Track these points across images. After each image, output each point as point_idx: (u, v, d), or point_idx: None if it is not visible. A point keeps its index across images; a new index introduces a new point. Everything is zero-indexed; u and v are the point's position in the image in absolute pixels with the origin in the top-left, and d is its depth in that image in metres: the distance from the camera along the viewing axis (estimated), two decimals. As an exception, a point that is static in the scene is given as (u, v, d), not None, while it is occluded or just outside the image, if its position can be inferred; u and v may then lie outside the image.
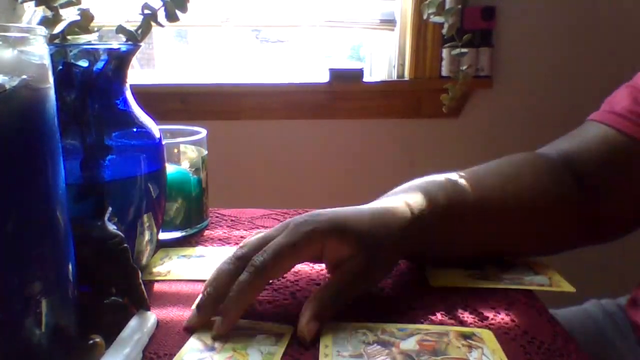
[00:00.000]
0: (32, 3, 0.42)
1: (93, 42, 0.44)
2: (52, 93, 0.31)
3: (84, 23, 0.43)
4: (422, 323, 0.39)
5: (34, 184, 0.30)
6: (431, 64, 1.26)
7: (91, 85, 0.42)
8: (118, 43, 0.43)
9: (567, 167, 0.53)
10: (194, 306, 0.40)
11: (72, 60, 0.41)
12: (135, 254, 0.44)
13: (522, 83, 1.31)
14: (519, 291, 0.44)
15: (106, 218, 0.38)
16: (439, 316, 0.40)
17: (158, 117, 0.48)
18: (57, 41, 0.42)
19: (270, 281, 0.45)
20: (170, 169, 0.53)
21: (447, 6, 1.15)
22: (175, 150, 0.57)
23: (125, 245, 0.38)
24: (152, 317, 0.38)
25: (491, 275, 0.46)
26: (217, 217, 0.62)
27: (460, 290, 0.44)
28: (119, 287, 0.38)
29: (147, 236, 0.45)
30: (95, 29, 0.44)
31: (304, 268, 0.48)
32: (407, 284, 0.45)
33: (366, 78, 1.28)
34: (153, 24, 0.44)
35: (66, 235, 0.32)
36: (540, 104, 1.31)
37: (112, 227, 0.38)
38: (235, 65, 1.44)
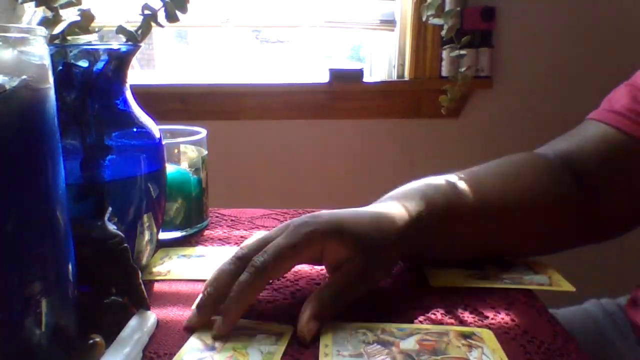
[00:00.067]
0: (32, 3, 0.42)
1: (93, 43, 0.44)
2: (52, 93, 0.31)
3: (84, 23, 0.43)
4: (422, 323, 0.39)
5: (34, 184, 0.30)
6: (431, 64, 1.26)
7: (91, 86, 0.42)
8: (118, 43, 0.43)
9: (566, 166, 0.53)
10: (194, 306, 0.40)
11: (72, 61, 0.41)
12: (135, 254, 0.44)
13: (522, 83, 1.31)
14: (519, 291, 0.44)
15: (106, 218, 0.38)
16: (439, 316, 0.40)
17: (158, 117, 0.48)
18: (57, 41, 0.42)
19: (270, 281, 0.45)
20: (170, 169, 0.53)
21: (447, 8, 1.15)
22: (175, 150, 0.57)
23: (125, 245, 0.38)
24: (152, 316, 0.38)
25: (491, 275, 0.46)
26: (217, 217, 0.62)
27: (460, 290, 0.44)
28: (119, 287, 0.38)
29: (147, 236, 0.45)
30: (96, 29, 0.44)
31: (304, 268, 0.48)
32: (407, 284, 0.45)
33: (366, 78, 1.28)
34: (153, 24, 0.44)
35: (66, 235, 0.32)
36: (540, 104, 1.31)
37: (112, 227, 0.38)
38: (235, 65, 1.45)
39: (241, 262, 0.39)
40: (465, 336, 0.37)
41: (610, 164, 0.52)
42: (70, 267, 0.33)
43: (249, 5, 1.25)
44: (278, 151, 1.33)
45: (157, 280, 0.46)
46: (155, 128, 0.46)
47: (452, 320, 0.39)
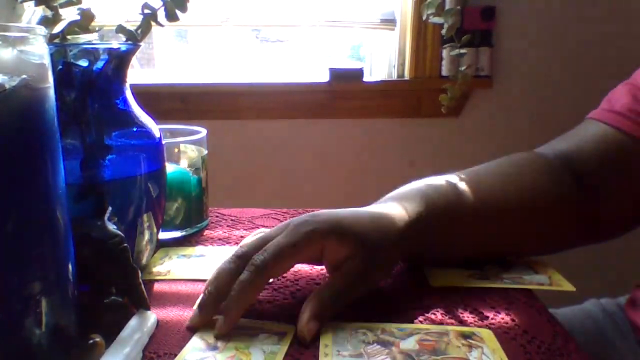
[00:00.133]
0: (32, 2, 0.42)
1: (93, 42, 0.44)
2: (52, 93, 0.31)
3: (84, 23, 0.43)
4: (422, 323, 0.39)
5: (34, 184, 0.30)
6: (431, 63, 1.26)
7: (91, 85, 0.42)
8: (118, 43, 0.43)
9: (566, 166, 0.52)
10: (195, 306, 0.40)
11: (72, 60, 0.41)
12: (135, 254, 0.44)
13: (522, 83, 1.31)
14: (519, 291, 0.44)
15: (106, 218, 0.38)
16: (439, 316, 0.40)
17: (158, 117, 0.48)
18: (57, 41, 0.42)
19: (270, 281, 0.45)
20: (170, 168, 0.53)
21: (447, 7, 1.15)
22: (175, 150, 0.57)
23: (125, 245, 0.38)
24: (152, 316, 0.38)
25: (491, 275, 0.46)
26: (217, 217, 0.62)
27: (460, 290, 0.44)
28: (119, 287, 0.38)
29: (147, 236, 0.45)
30: (96, 28, 0.44)
31: (304, 268, 0.48)
32: (407, 284, 0.45)
33: (366, 78, 1.28)
34: (153, 23, 0.44)
35: (66, 235, 0.32)
36: (540, 104, 1.31)
37: (112, 227, 0.38)
38: (235, 65, 1.44)
39: (241, 260, 0.39)
40: (465, 336, 0.37)
41: (610, 164, 0.52)
42: (70, 267, 0.33)
43: (248, 5, 1.25)
44: (278, 151, 1.33)
45: (157, 280, 0.46)
46: (155, 128, 0.46)
47: (452, 320, 0.39)
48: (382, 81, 1.30)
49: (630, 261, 1.11)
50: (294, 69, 1.45)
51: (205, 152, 0.58)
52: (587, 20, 1.28)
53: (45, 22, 0.42)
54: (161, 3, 0.44)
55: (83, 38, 0.44)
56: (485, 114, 1.32)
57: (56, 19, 0.42)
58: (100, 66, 0.41)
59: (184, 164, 0.57)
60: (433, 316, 0.40)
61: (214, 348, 0.36)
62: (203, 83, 1.30)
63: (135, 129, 0.44)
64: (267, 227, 0.59)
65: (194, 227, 0.57)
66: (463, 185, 0.48)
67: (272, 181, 1.34)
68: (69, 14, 0.43)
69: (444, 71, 1.26)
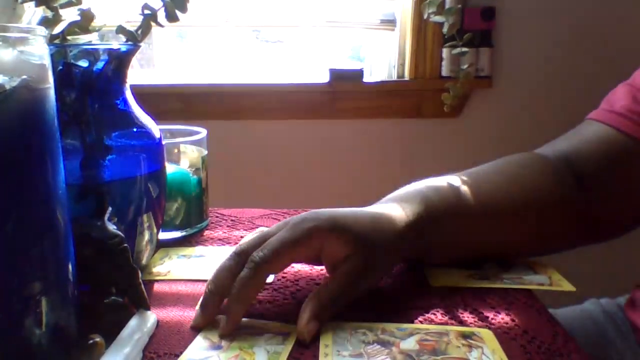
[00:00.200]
0: (32, 3, 0.42)
1: (93, 43, 0.44)
2: (52, 93, 0.31)
3: (84, 23, 0.43)
4: (422, 323, 0.39)
5: (34, 184, 0.30)
6: (431, 64, 1.26)
7: (91, 85, 0.42)
8: (118, 43, 0.43)
9: (566, 166, 0.53)
10: (197, 306, 0.40)
11: (72, 61, 0.41)
12: (135, 254, 0.44)
13: (522, 83, 1.31)
14: (519, 291, 0.44)
15: (106, 218, 0.38)
16: (439, 316, 0.40)
17: (158, 117, 0.48)
18: (57, 41, 0.42)
19: (270, 281, 0.45)
20: (170, 169, 0.53)
21: (447, 6, 1.15)
22: (175, 150, 0.57)
23: (125, 245, 0.38)
24: (152, 316, 0.38)
25: (491, 275, 0.46)
26: (217, 217, 0.62)
27: (460, 290, 0.44)
28: (119, 287, 0.38)
29: (146, 236, 0.45)
30: (96, 29, 0.44)
31: (304, 268, 0.48)
32: (407, 284, 0.45)
33: (366, 78, 1.28)
34: (153, 24, 0.44)
35: (66, 235, 0.32)
36: (540, 104, 1.31)
37: (112, 227, 0.38)
38: (235, 65, 1.44)
39: (240, 257, 0.39)
40: (465, 336, 0.37)
41: (611, 165, 0.52)
42: (70, 266, 0.33)
43: (248, 5, 1.25)
44: (278, 151, 1.33)
45: (157, 280, 0.46)
46: (155, 128, 0.46)
47: (452, 320, 0.39)
48: (382, 81, 1.30)
49: (630, 261, 1.11)
50: (294, 70, 1.45)
51: (205, 152, 0.58)
52: (587, 20, 1.28)
53: (46, 22, 0.42)
54: (161, 3, 0.44)
55: (83, 38, 0.44)
56: (485, 114, 1.32)
57: (56, 19, 0.42)
58: (100, 67, 0.42)
59: (184, 164, 0.57)
60: (433, 316, 0.40)
61: (218, 347, 0.36)
62: (203, 83, 1.30)
63: (135, 130, 0.44)
64: (266, 227, 0.59)
65: (194, 228, 0.57)
66: (463, 186, 0.48)
67: (272, 181, 1.34)
68: (69, 15, 0.43)
69: (444, 71, 1.26)
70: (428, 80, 1.27)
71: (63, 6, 0.42)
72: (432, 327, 0.38)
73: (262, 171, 1.33)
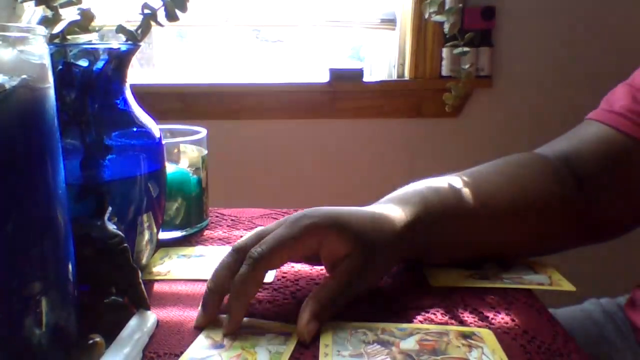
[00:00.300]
0: (32, 2, 0.42)
1: (93, 42, 0.44)
2: (52, 93, 0.31)
3: (84, 23, 0.43)
4: (422, 323, 0.39)
5: (34, 184, 0.30)
6: (431, 63, 1.26)
7: (91, 85, 0.42)
8: (118, 43, 0.43)
9: (566, 166, 0.52)
10: (200, 306, 0.40)
11: (72, 60, 0.41)
12: (135, 254, 0.44)
13: (522, 83, 1.31)
14: (519, 291, 0.44)
15: (106, 218, 0.38)
16: (439, 316, 0.40)
17: (158, 117, 0.48)
18: (57, 41, 0.42)
19: (271, 280, 0.45)
20: (170, 168, 0.53)
21: (447, 6, 1.15)
22: (175, 150, 0.57)
23: (125, 245, 0.38)
24: (152, 316, 0.38)
25: (491, 275, 0.46)
26: (217, 217, 0.62)
27: (460, 290, 0.44)
28: (119, 286, 0.38)
29: (146, 236, 0.45)
30: (96, 28, 0.44)
31: (304, 268, 0.48)
32: (407, 284, 0.45)
33: (366, 78, 1.28)
34: (153, 23, 0.44)
35: (66, 235, 0.32)
36: (540, 104, 1.31)
37: (112, 227, 0.38)
38: (235, 65, 1.44)
39: (238, 254, 0.39)
40: (465, 336, 0.37)
41: (610, 165, 0.52)
42: (70, 266, 0.33)
43: (248, 5, 1.25)
44: (278, 151, 1.33)
45: (157, 280, 0.46)
46: (155, 128, 0.46)
47: (452, 320, 0.39)
48: (382, 81, 1.30)
49: (630, 261, 1.11)
50: (294, 69, 1.45)
51: (205, 152, 0.58)
52: (587, 20, 1.28)
53: (46, 22, 0.42)
54: (161, 3, 0.44)
55: (83, 38, 0.44)
56: (485, 114, 1.32)
57: (56, 19, 0.42)
58: (100, 66, 0.41)
59: (184, 164, 0.57)
60: (433, 316, 0.40)
61: (220, 346, 0.36)
62: (203, 83, 1.30)
63: (135, 129, 0.44)
64: (267, 227, 0.59)
65: (194, 227, 0.57)
66: (463, 187, 0.48)
67: (272, 181, 1.34)
68: (69, 14, 0.43)
69: (444, 71, 1.26)
70: (428, 80, 1.27)
71: (63, 6, 0.42)
72: (432, 327, 0.38)
73: (262, 171, 1.33)
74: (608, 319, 0.62)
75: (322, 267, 0.46)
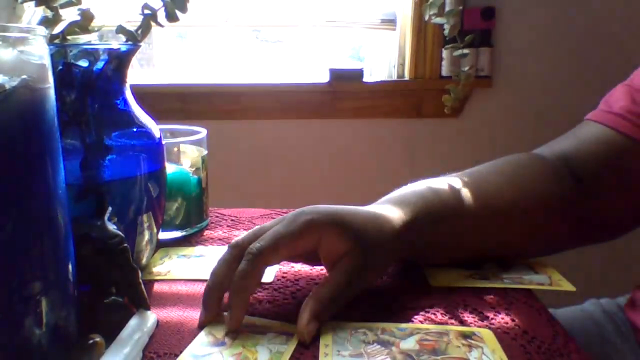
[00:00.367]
0: (32, 3, 0.42)
1: (93, 42, 0.44)
2: (52, 93, 0.31)
3: (84, 23, 0.43)
4: (422, 323, 0.39)
5: (34, 184, 0.30)
6: (431, 64, 1.26)
7: (91, 85, 0.42)
8: (118, 43, 0.43)
9: (565, 167, 0.52)
10: (201, 305, 0.40)
11: (72, 60, 0.41)
12: (135, 254, 0.44)
13: (522, 83, 1.31)
14: (519, 291, 0.44)
15: (106, 218, 0.38)
16: (439, 316, 0.40)
17: (158, 117, 0.48)
18: (57, 41, 0.42)
19: (270, 280, 0.45)
20: (170, 168, 0.53)
21: (448, 7, 1.15)
22: (175, 150, 0.57)
23: (125, 245, 0.38)
24: (152, 316, 0.38)
25: (491, 275, 0.46)
26: (217, 217, 0.62)
27: (460, 290, 0.44)
28: (119, 286, 0.38)
29: (146, 236, 0.45)
30: (96, 29, 0.44)
31: (304, 268, 0.48)
32: (407, 284, 0.45)
33: (366, 78, 1.28)
34: (153, 24, 0.44)
35: (66, 235, 0.32)
36: (540, 104, 1.32)
37: (112, 227, 0.38)
38: (235, 65, 1.44)
39: (237, 250, 0.39)
40: (465, 336, 0.37)
41: (609, 166, 0.52)
42: (70, 266, 0.33)
43: (248, 5, 1.25)
44: (278, 151, 1.33)
45: (157, 280, 0.46)
46: (155, 128, 0.46)
47: (452, 320, 0.39)
48: (382, 81, 1.30)
49: (630, 261, 1.11)
50: (294, 69, 1.45)
51: (205, 152, 0.58)
52: (587, 20, 1.28)
53: (46, 22, 0.42)
54: (161, 3, 0.44)
55: (83, 38, 0.44)
56: (485, 114, 1.32)
57: (56, 19, 0.42)
58: (100, 66, 0.42)
59: (184, 164, 0.57)
60: (433, 316, 0.40)
61: (221, 344, 0.36)
62: (203, 83, 1.30)
63: (135, 129, 0.44)
64: (267, 227, 0.59)
65: (194, 227, 0.57)
66: (462, 187, 0.48)
67: (272, 181, 1.34)
68: (69, 15, 0.43)
69: (444, 72, 1.26)
70: (428, 80, 1.27)
71: (63, 6, 0.42)
72: (432, 327, 0.38)
73: (262, 171, 1.33)
74: (608, 319, 0.62)
75: (322, 267, 0.46)
